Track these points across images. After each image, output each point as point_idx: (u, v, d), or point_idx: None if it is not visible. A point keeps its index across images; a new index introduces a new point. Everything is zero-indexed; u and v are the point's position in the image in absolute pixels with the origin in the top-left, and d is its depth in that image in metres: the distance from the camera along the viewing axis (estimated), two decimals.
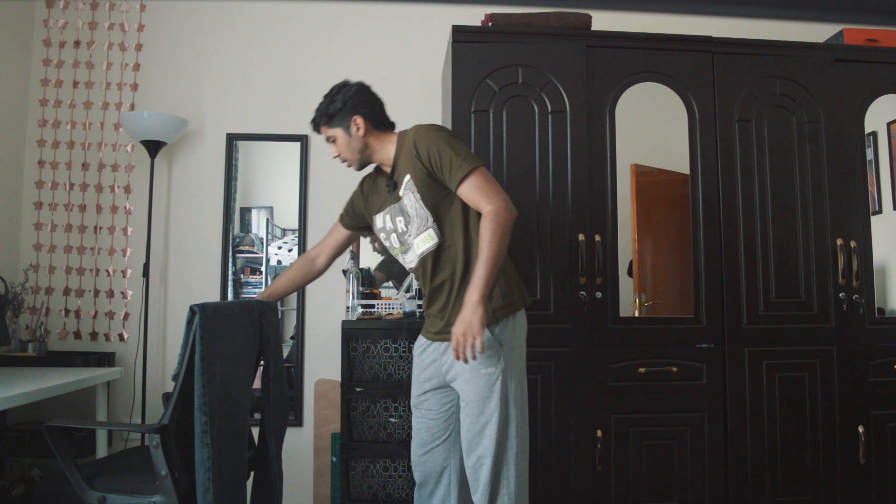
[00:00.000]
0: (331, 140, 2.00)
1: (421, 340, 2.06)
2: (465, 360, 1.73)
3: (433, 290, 1.96)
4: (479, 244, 1.78)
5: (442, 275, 1.93)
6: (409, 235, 1.96)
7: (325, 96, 1.99)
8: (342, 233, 2.22)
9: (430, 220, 1.91)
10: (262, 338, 2.12)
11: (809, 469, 2.65)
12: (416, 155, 1.87)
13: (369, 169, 2.12)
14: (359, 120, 1.95)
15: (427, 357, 2.01)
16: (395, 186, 1.97)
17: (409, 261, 2.00)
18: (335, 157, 2.02)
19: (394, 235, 2.01)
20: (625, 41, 2.77)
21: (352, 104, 1.95)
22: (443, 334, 1.92)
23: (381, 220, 2.04)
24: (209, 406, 1.74)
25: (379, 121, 1.98)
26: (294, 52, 3.35)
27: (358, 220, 2.18)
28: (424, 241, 1.92)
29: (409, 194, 1.92)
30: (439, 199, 1.90)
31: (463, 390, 1.87)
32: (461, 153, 1.83)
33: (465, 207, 1.89)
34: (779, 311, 2.70)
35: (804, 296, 2.72)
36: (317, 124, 2.00)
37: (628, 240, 2.74)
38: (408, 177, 1.91)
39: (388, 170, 2.00)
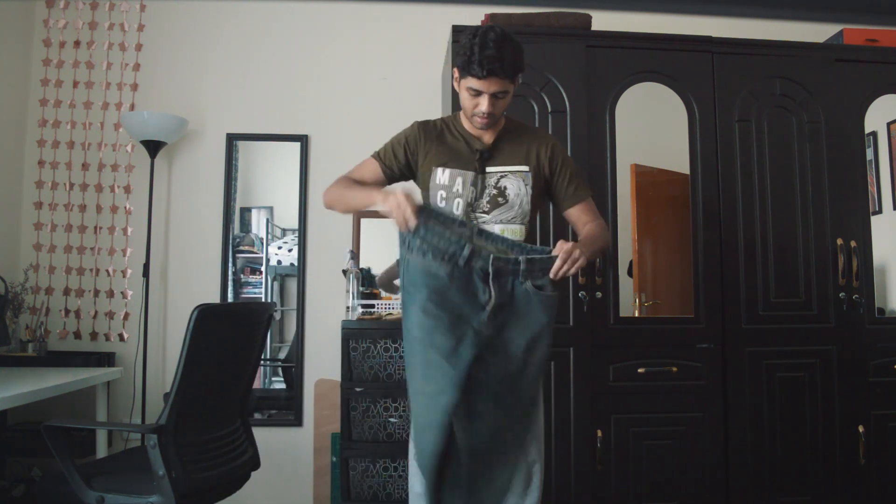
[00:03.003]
0: (499, 96, 1.77)
1: None
2: (560, 277, 1.63)
3: None
4: (588, 231, 1.86)
5: None
6: (482, 211, 1.85)
7: (503, 44, 1.72)
8: (379, 182, 1.95)
9: (528, 217, 1.88)
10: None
11: (809, 469, 2.65)
12: (550, 158, 1.89)
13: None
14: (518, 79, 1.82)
15: None
16: (489, 157, 1.87)
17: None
18: (490, 112, 1.78)
19: (459, 201, 1.84)
20: (625, 41, 2.77)
21: None
22: None
23: (446, 177, 1.86)
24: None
25: None
26: (294, 52, 3.35)
27: (401, 172, 1.95)
28: (512, 233, 1.84)
29: (516, 182, 1.86)
30: (538, 205, 1.92)
31: None
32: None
33: (535, 221, 1.92)
34: (779, 311, 2.70)
35: (804, 296, 2.72)
36: (505, 73, 1.74)
37: (628, 240, 2.74)
38: (525, 168, 1.87)
39: (487, 138, 1.89)
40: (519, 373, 1.65)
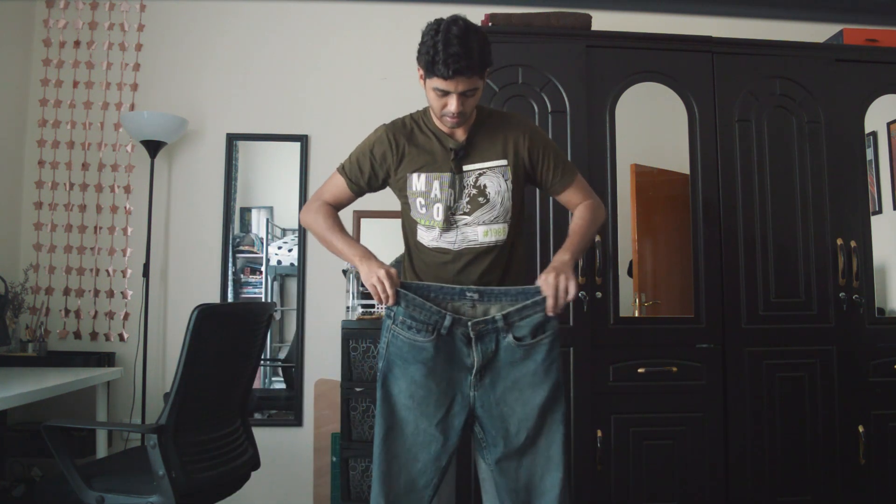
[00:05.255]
0: (468, 94, 1.68)
1: None
2: (557, 311, 1.64)
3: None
4: (578, 221, 1.82)
5: (488, 274, 1.80)
6: (462, 213, 1.78)
7: (468, 39, 1.63)
8: (349, 198, 1.91)
9: (510, 214, 1.79)
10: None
11: (809, 469, 2.65)
12: (530, 148, 1.81)
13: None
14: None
15: None
16: (464, 155, 1.78)
17: (450, 241, 1.79)
18: (459, 112, 1.69)
19: (438, 206, 1.77)
20: (625, 41, 2.76)
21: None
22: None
23: (422, 183, 1.78)
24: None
25: None
26: (294, 52, 3.35)
27: (369, 185, 1.87)
28: (496, 233, 1.79)
29: (495, 179, 1.78)
30: (520, 196, 1.84)
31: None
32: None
33: (522, 213, 1.87)
34: (779, 311, 2.70)
35: (804, 296, 2.72)
36: (473, 71, 1.64)
37: (628, 240, 2.74)
38: (504, 161, 1.78)
39: (461, 135, 1.79)
40: (522, 422, 1.66)
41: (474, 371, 1.64)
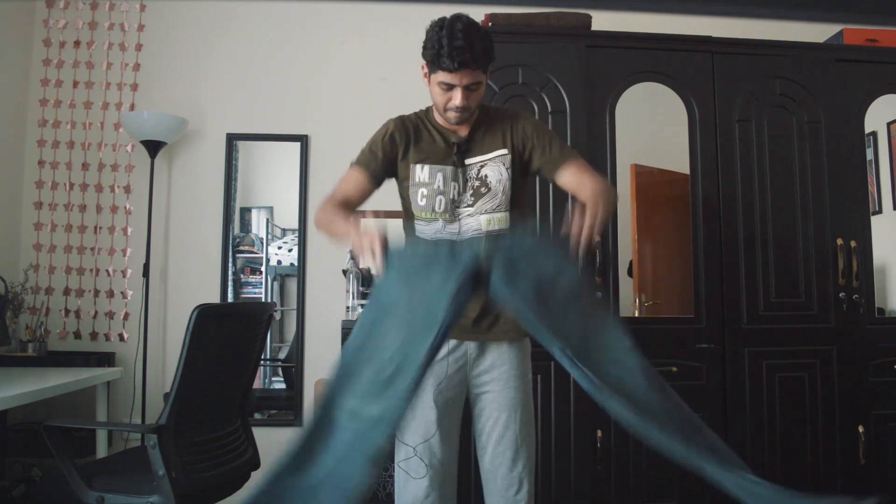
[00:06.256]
0: (472, 88, 1.68)
1: None
2: (583, 243, 1.44)
3: None
4: (596, 189, 1.64)
5: None
6: (466, 205, 1.77)
7: (472, 33, 1.66)
8: (361, 190, 1.81)
9: (511, 202, 1.77)
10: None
11: (809, 469, 2.65)
12: (523, 133, 1.79)
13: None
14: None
15: (451, 364, 1.76)
16: (466, 150, 1.79)
17: (452, 232, 1.77)
18: (464, 105, 1.69)
19: (441, 198, 1.76)
20: (625, 41, 2.77)
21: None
22: (477, 333, 1.76)
23: (425, 175, 1.77)
24: None
25: None
26: (294, 52, 3.35)
27: (384, 174, 1.83)
28: (499, 221, 1.77)
29: (496, 168, 1.77)
30: (521, 187, 1.82)
31: (506, 397, 1.74)
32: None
33: (526, 204, 1.86)
34: (779, 311, 2.70)
35: (804, 296, 2.72)
36: (477, 64, 1.66)
37: (628, 240, 2.74)
38: (504, 150, 1.78)
39: (463, 130, 1.80)
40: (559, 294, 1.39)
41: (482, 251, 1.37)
